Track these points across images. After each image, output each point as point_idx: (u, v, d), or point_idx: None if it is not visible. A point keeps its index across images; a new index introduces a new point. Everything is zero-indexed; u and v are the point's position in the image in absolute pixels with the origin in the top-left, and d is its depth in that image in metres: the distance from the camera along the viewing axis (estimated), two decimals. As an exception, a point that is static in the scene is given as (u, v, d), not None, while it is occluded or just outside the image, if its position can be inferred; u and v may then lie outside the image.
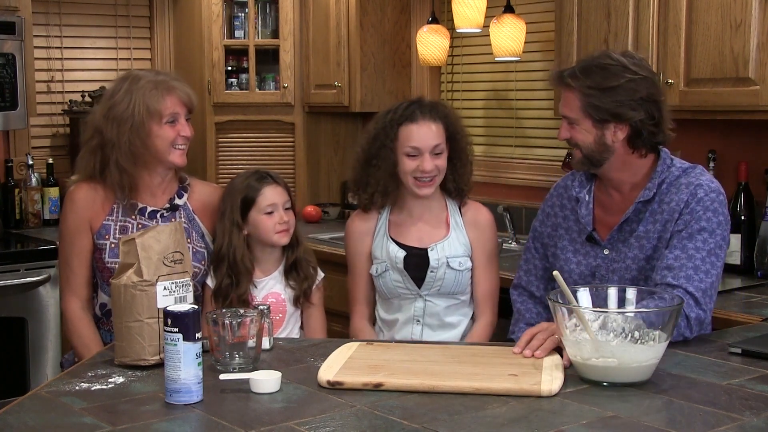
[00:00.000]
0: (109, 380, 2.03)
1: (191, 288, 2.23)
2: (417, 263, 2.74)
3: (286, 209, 2.73)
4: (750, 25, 3.00)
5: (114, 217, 2.69)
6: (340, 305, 3.20)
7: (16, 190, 4.69)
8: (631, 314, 1.99)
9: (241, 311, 2.18)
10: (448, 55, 4.54)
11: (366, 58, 4.67)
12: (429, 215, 2.79)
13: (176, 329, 1.87)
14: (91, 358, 2.27)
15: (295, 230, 2.76)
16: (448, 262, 2.73)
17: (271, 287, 2.73)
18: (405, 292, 2.76)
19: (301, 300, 2.75)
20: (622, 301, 2.12)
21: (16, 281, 4.13)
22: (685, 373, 2.02)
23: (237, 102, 4.99)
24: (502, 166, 4.47)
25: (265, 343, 2.22)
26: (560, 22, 3.64)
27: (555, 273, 2.05)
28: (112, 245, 2.65)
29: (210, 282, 2.71)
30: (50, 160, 4.79)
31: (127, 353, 2.14)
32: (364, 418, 1.77)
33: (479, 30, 4.19)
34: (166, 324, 1.89)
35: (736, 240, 3.32)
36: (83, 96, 4.90)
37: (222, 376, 1.99)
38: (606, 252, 2.47)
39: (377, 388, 1.94)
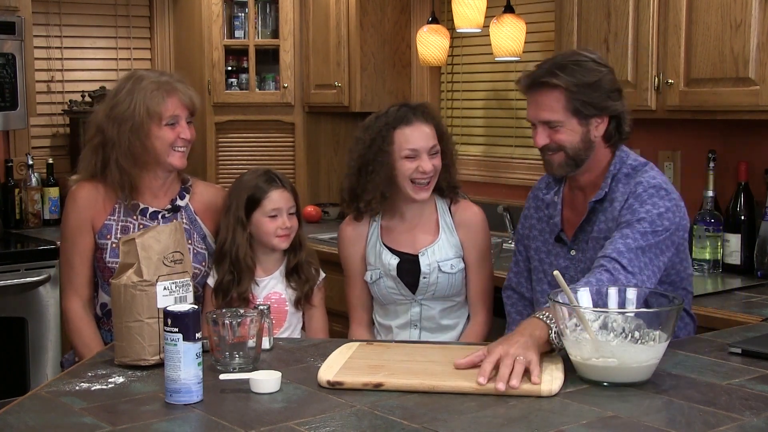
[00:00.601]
0: (109, 380, 2.03)
1: (191, 288, 2.23)
2: (410, 269, 2.74)
3: (290, 214, 2.72)
4: (750, 25, 3.00)
5: (116, 217, 2.69)
6: (340, 305, 3.19)
7: (16, 190, 4.69)
8: (631, 314, 1.99)
9: (241, 311, 2.18)
10: (448, 55, 4.54)
11: (366, 58, 4.67)
12: (419, 219, 2.78)
13: (176, 329, 1.87)
14: (91, 358, 2.27)
15: (298, 233, 2.75)
16: (439, 266, 2.72)
17: (272, 287, 2.73)
18: (400, 298, 2.76)
19: (302, 302, 2.74)
20: (622, 301, 2.12)
21: (16, 281, 4.13)
22: (685, 373, 2.02)
23: (237, 102, 5.00)
24: (502, 166, 4.47)
25: (265, 343, 2.22)
26: (560, 22, 3.64)
27: (555, 273, 2.05)
28: (114, 245, 2.65)
29: (211, 280, 2.71)
30: (50, 160, 4.79)
31: (127, 353, 2.14)
32: (364, 418, 1.77)
33: (479, 30, 4.19)
34: (166, 324, 1.89)
35: (736, 240, 3.32)
36: (83, 96, 4.90)
37: (222, 376, 1.99)
38: (573, 253, 2.49)
39: (377, 388, 1.94)
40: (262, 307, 2.32)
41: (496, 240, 3.84)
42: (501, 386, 1.88)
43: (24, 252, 4.25)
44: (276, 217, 2.69)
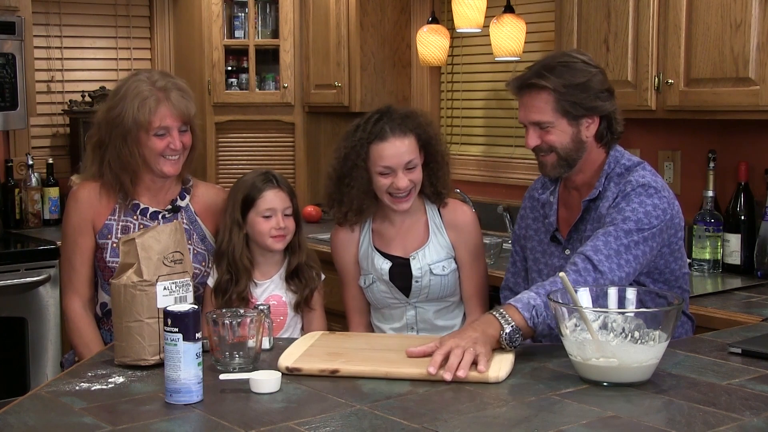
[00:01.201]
0: (109, 380, 2.03)
1: (191, 288, 2.23)
2: (402, 273, 2.73)
3: (286, 215, 2.71)
4: (750, 25, 3.00)
5: (116, 217, 2.69)
6: (340, 306, 3.19)
7: (16, 190, 4.69)
8: (631, 314, 1.99)
9: (241, 311, 2.18)
10: (448, 55, 4.54)
11: (366, 58, 4.67)
12: (410, 222, 2.76)
13: (176, 329, 1.87)
14: (90, 358, 2.27)
15: (298, 236, 2.74)
16: (430, 269, 2.71)
17: (272, 290, 2.73)
18: (394, 302, 2.76)
19: (301, 305, 2.74)
20: (622, 301, 2.12)
21: (16, 281, 4.13)
22: (685, 373, 2.02)
23: (237, 102, 5.00)
24: (502, 166, 4.47)
25: (265, 343, 2.23)
26: (560, 22, 3.64)
27: (561, 274, 2.05)
28: (114, 245, 2.65)
29: (210, 280, 2.71)
30: (50, 160, 4.79)
31: (127, 353, 2.14)
32: (364, 418, 1.77)
33: (479, 30, 4.19)
34: (166, 324, 1.89)
35: (736, 240, 3.32)
36: (83, 96, 4.90)
37: (222, 376, 1.99)
38: (567, 252, 2.50)
39: (333, 374, 2.01)
40: (262, 307, 2.32)
41: (497, 240, 3.84)
42: (448, 376, 1.97)
43: (24, 252, 4.25)
44: (270, 217, 2.68)
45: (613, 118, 2.44)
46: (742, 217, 3.33)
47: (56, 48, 4.99)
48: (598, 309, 2.06)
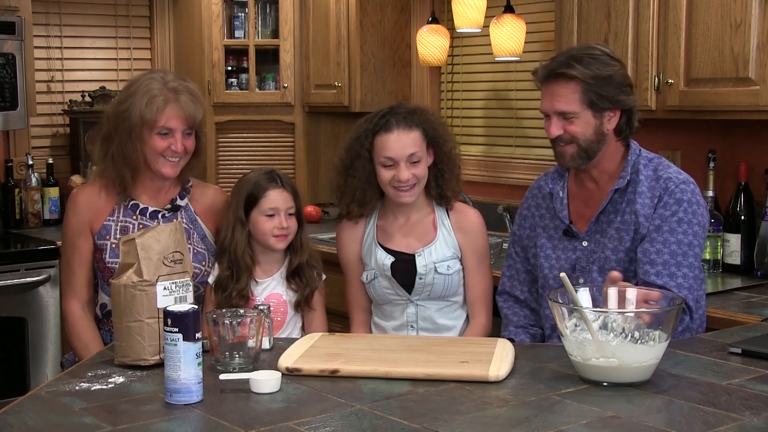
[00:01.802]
0: (109, 380, 2.03)
1: (191, 288, 2.23)
2: (405, 269, 2.73)
3: (289, 215, 2.71)
4: (750, 25, 3.00)
5: (115, 218, 2.69)
6: (340, 305, 3.19)
7: (16, 190, 4.69)
8: (631, 314, 1.99)
9: (241, 311, 2.18)
10: (448, 55, 4.54)
11: (366, 58, 4.67)
12: (416, 220, 2.77)
13: (176, 329, 1.87)
14: (90, 358, 2.27)
15: (300, 235, 2.74)
16: (435, 267, 2.71)
17: (272, 288, 2.73)
18: (396, 299, 2.76)
19: (302, 305, 2.74)
20: (622, 301, 2.12)
21: (16, 281, 4.13)
22: (685, 373, 2.02)
23: (237, 102, 5.00)
24: (502, 166, 4.47)
25: (265, 343, 2.23)
26: (560, 22, 3.64)
27: (562, 275, 2.05)
28: (113, 245, 2.65)
29: (211, 279, 2.71)
30: (50, 160, 4.78)
31: (127, 353, 2.14)
32: (364, 418, 1.77)
33: (479, 30, 4.19)
34: (166, 324, 1.89)
35: (736, 240, 3.32)
36: (83, 96, 4.90)
37: (222, 376, 1.99)
38: (585, 244, 2.50)
39: (333, 374, 2.02)
40: (262, 307, 2.32)
41: (496, 240, 3.84)
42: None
43: (24, 252, 4.25)
44: (273, 216, 2.68)
45: (633, 113, 2.47)
46: (742, 217, 3.33)
47: (56, 48, 4.99)
48: (598, 309, 2.06)
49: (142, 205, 2.71)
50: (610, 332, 1.96)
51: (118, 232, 2.67)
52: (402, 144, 2.65)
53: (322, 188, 5.10)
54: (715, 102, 3.13)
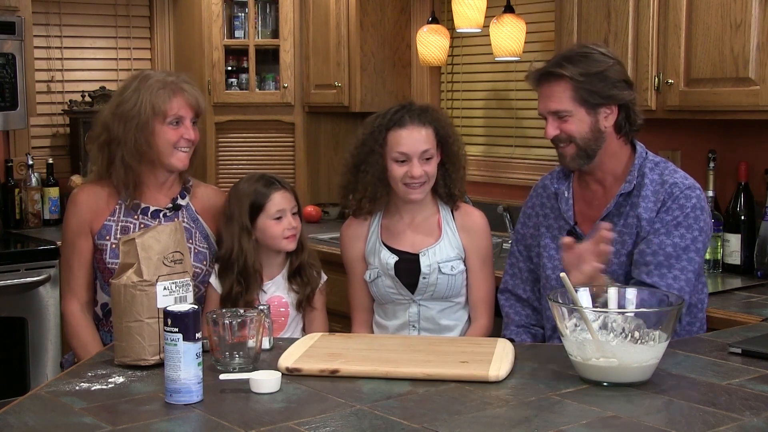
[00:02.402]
0: (109, 380, 2.03)
1: (191, 288, 2.23)
2: (409, 269, 2.73)
3: (293, 214, 2.71)
4: (750, 25, 3.00)
5: (115, 218, 2.69)
6: (340, 305, 3.19)
7: (16, 190, 4.69)
8: (631, 314, 1.99)
9: (241, 311, 2.18)
10: (448, 55, 4.54)
11: (366, 58, 4.67)
12: (421, 219, 2.78)
13: (176, 329, 1.87)
14: (90, 358, 2.27)
15: (300, 234, 2.75)
16: (439, 267, 2.71)
17: (274, 291, 2.72)
18: (398, 298, 2.76)
19: (303, 304, 2.74)
20: (622, 301, 2.12)
21: (16, 281, 4.13)
22: (685, 373, 2.02)
23: (237, 102, 5.00)
24: (502, 166, 4.47)
25: (265, 343, 2.23)
26: (560, 22, 3.64)
27: (562, 275, 2.05)
28: (113, 246, 2.65)
29: (213, 280, 2.70)
30: (50, 160, 4.79)
31: (127, 353, 2.14)
32: (364, 418, 1.77)
33: (479, 30, 4.19)
34: (166, 324, 1.89)
35: (736, 240, 3.32)
36: (83, 96, 4.90)
37: (222, 376, 1.99)
38: None
39: (333, 374, 2.02)
40: (262, 307, 2.32)
41: (497, 240, 3.83)
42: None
43: (24, 252, 4.25)
44: (281, 218, 2.68)
45: (631, 108, 2.46)
46: (742, 217, 3.33)
47: (56, 48, 4.99)
48: (598, 309, 2.06)
49: (143, 205, 2.71)
50: (610, 332, 1.96)
51: (118, 232, 2.67)
52: (415, 140, 2.66)
53: (322, 188, 5.10)
54: (715, 102, 3.13)
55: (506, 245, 4.12)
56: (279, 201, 2.69)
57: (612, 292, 2.13)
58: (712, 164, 3.40)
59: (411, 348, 2.23)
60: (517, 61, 4.28)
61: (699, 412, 1.78)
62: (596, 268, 2.24)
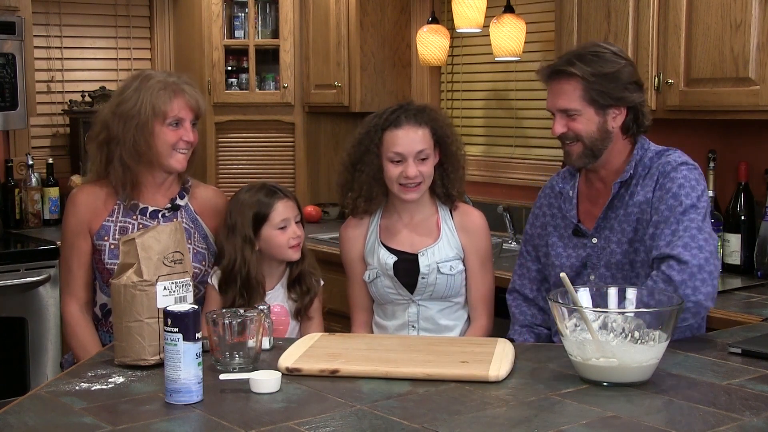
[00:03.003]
0: (109, 380, 2.03)
1: (191, 288, 2.23)
2: (408, 269, 2.73)
3: (297, 223, 2.70)
4: (750, 25, 3.00)
5: (114, 218, 2.69)
6: (340, 305, 3.19)
7: (16, 190, 4.69)
8: (631, 314, 1.99)
9: (241, 311, 2.18)
10: (448, 55, 4.54)
11: (366, 58, 4.67)
12: (420, 219, 2.77)
13: (176, 329, 1.87)
14: (90, 358, 2.27)
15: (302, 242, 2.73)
16: (438, 267, 2.71)
17: (273, 300, 2.71)
18: (398, 298, 2.76)
19: (301, 313, 2.72)
20: (622, 301, 2.12)
21: (16, 281, 4.13)
22: (685, 373, 2.02)
23: (237, 102, 5.00)
24: (502, 166, 4.47)
25: (265, 343, 2.23)
26: (560, 22, 3.64)
27: (562, 275, 2.05)
28: (112, 246, 2.65)
29: (214, 280, 2.69)
30: (50, 160, 4.79)
31: (127, 353, 2.14)
32: (364, 418, 1.77)
33: (479, 30, 4.19)
34: (166, 324, 1.89)
35: (736, 240, 3.32)
36: (83, 96, 4.90)
37: (222, 376, 1.99)
38: (594, 241, 2.50)
39: (333, 374, 2.02)
40: (262, 307, 2.31)
41: (496, 240, 3.84)
42: None
43: (24, 252, 4.25)
44: (286, 228, 2.67)
45: (640, 110, 2.46)
46: (742, 217, 3.33)
47: (56, 48, 4.99)
48: (598, 309, 2.06)
49: (142, 205, 2.70)
50: (610, 332, 1.96)
51: (116, 232, 2.67)
52: (411, 140, 2.66)
53: (322, 188, 5.10)
54: (715, 102, 3.13)
55: (506, 245, 4.13)
56: (283, 210, 2.68)
57: (612, 292, 2.13)
58: (712, 164, 3.40)
59: (411, 348, 2.23)
60: (517, 61, 4.28)
61: (699, 412, 1.78)
62: None
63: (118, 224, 2.68)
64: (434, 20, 4.45)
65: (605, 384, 1.94)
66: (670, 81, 3.23)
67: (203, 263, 2.72)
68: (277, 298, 2.71)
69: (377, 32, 4.70)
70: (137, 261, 2.16)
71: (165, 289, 2.16)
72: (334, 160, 5.07)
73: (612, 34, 3.40)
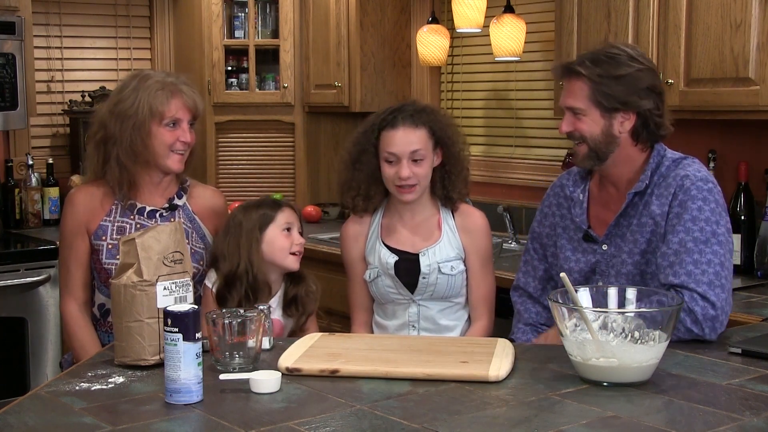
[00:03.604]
0: (109, 380, 2.03)
1: (191, 288, 2.23)
2: (409, 268, 2.73)
3: (300, 233, 2.70)
4: (750, 25, 3.00)
5: (111, 218, 2.69)
6: (340, 305, 3.20)
7: (16, 190, 4.69)
8: (631, 314, 1.99)
9: (241, 311, 2.18)
10: (448, 55, 4.54)
11: (366, 58, 4.67)
12: (421, 219, 2.77)
13: (176, 329, 1.87)
14: (90, 358, 2.27)
15: (301, 267, 2.70)
16: (439, 267, 2.71)
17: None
18: (398, 298, 2.76)
19: (296, 333, 2.67)
20: (622, 301, 2.12)
21: (16, 281, 4.14)
22: (685, 373, 2.02)
23: (237, 102, 5.00)
24: (502, 166, 4.47)
25: (265, 343, 2.22)
26: (560, 22, 3.64)
27: (562, 275, 2.05)
28: (109, 246, 2.65)
29: (209, 282, 2.69)
30: (50, 160, 4.79)
31: (127, 353, 2.14)
32: (364, 418, 1.77)
33: (479, 30, 4.19)
34: (166, 324, 1.89)
35: (736, 240, 3.31)
36: (83, 96, 4.90)
37: (222, 376, 1.99)
38: (604, 247, 2.47)
39: (333, 374, 2.02)
40: (262, 307, 2.31)
41: (496, 240, 3.83)
42: None
43: (24, 252, 4.25)
44: (290, 230, 2.67)
45: (651, 117, 2.40)
46: (742, 217, 3.33)
47: (56, 48, 4.99)
48: (598, 309, 2.06)
49: (139, 205, 2.70)
50: (610, 332, 1.96)
51: (114, 232, 2.67)
52: (405, 141, 2.65)
53: (322, 188, 5.10)
54: (715, 102, 3.13)
55: (506, 245, 4.12)
56: (288, 215, 2.68)
57: (612, 292, 2.13)
58: (712, 164, 3.40)
59: (411, 348, 2.23)
60: (517, 61, 4.28)
61: (699, 412, 1.78)
62: None
63: (116, 224, 2.68)
64: (434, 20, 4.45)
65: (605, 384, 1.94)
66: (670, 81, 3.23)
67: (201, 263, 2.72)
68: (273, 312, 2.68)
69: (377, 32, 4.70)
70: (137, 261, 2.16)
71: (165, 289, 2.16)
72: (334, 160, 5.07)
73: (612, 34, 3.40)
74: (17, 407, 1.86)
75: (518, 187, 4.35)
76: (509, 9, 4.12)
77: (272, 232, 2.65)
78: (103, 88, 4.93)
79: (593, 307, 2.08)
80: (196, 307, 1.93)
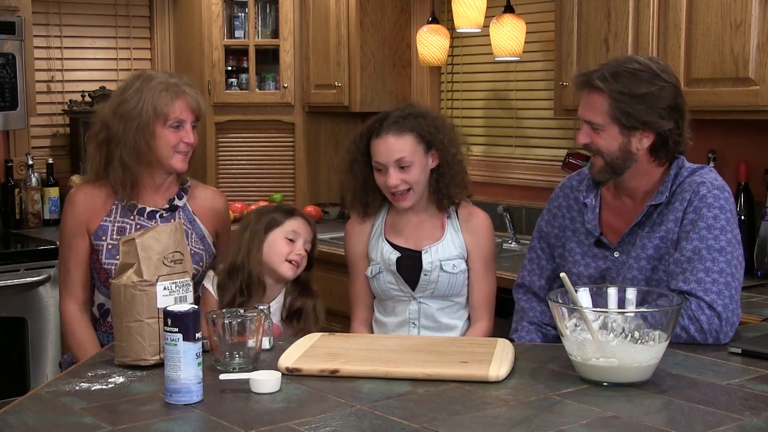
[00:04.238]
0: (109, 380, 2.03)
1: (191, 288, 2.23)
2: (411, 265, 2.73)
3: (306, 247, 2.68)
4: (750, 25, 3.00)
5: (111, 218, 2.69)
6: (340, 305, 3.20)
7: (16, 190, 4.69)
8: (631, 314, 1.99)
9: (241, 311, 2.18)
10: (448, 55, 4.54)
11: (366, 58, 4.67)
12: (425, 217, 2.78)
13: (176, 329, 1.87)
14: (90, 358, 2.27)
15: (309, 284, 2.71)
16: (441, 265, 2.71)
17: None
18: (399, 294, 2.76)
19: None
20: (622, 301, 2.12)
21: (16, 281, 4.14)
22: (685, 373, 2.02)
23: (237, 102, 5.00)
24: (502, 166, 4.47)
25: (265, 343, 2.22)
26: (560, 22, 3.64)
27: (562, 275, 2.04)
28: (109, 246, 2.65)
29: (207, 283, 2.69)
30: (50, 160, 4.79)
31: (127, 353, 2.14)
32: (364, 418, 1.77)
33: (479, 30, 4.20)
34: (166, 324, 1.89)
35: (736, 240, 3.32)
36: (83, 96, 4.90)
37: (222, 376, 1.99)
38: (616, 255, 2.44)
39: (333, 374, 2.02)
40: (262, 307, 2.32)
41: (496, 240, 3.83)
42: None
43: (24, 252, 4.25)
44: (294, 241, 2.66)
45: (670, 137, 2.34)
46: (742, 217, 3.33)
47: (56, 48, 4.99)
48: (598, 309, 2.06)
49: (140, 205, 2.70)
50: (610, 332, 1.96)
51: (114, 232, 2.67)
52: (389, 149, 2.65)
53: (322, 188, 5.10)
54: (715, 102, 3.14)
55: (506, 245, 4.12)
56: (298, 225, 2.68)
57: (612, 292, 2.13)
58: (712, 164, 3.40)
59: (411, 348, 2.23)
60: (517, 61, 4.28)
61: (699, 412, 1.78)
62: None
63: (116, 224, 2.68)
64: (434, 20, 4.45)
65: (605, 384, 1.94)
66: (670, 81, 3.23)
67: (200, 264, 2.72)
68: (273, 315, 2.67)
69: (377, 32, 4.70)
70: (137, 261, 2.16)
71: (165, 289, 2.16)
72: (334, 160, 5.07)
73: (612, 34, 3.41)
74: (17, 407, 1.86)
75: (518, 187, 4.35)
76: (509, 9, 4.12)
77: (275, 236, 2.66)
78: (103, 88, 4.92)
79: (593, 307, 2.08)
80: (196, 307, 1.93)
